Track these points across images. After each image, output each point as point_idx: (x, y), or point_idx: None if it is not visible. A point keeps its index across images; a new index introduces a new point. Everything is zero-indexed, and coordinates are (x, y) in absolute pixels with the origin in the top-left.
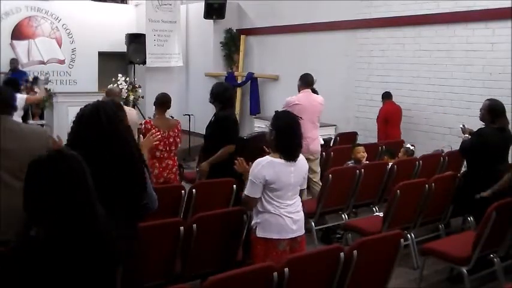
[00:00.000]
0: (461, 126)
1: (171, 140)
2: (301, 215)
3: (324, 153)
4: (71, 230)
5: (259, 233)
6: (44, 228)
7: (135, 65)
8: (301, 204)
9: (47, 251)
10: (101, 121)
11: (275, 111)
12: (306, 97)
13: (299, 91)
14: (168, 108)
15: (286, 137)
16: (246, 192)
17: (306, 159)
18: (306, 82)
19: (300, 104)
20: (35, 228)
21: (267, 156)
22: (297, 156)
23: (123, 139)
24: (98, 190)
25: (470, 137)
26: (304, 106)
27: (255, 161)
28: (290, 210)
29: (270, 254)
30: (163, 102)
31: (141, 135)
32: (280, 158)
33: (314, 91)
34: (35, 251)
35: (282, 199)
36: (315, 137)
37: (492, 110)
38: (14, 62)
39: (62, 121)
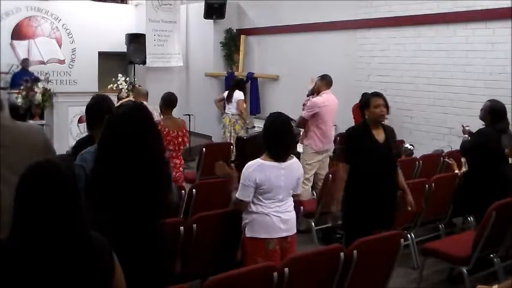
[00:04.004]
0: (463, 125)
1: (180, 139)
2: (291, 215)
3: None
4: (49, 243)
5: (248, 233)
6: (26, 237)
7: (135, 65)
8: (292, 205)
9: (20, 261)
10: (135, 122)
11: (270, 113)
12: (329, 98)
13: (319, 91)
14: (175, 107)
15: (274, 137)
16: (237, 195)
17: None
18: (328, 83)
19: (327, 105)
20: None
21: (258, 159)
22: (285, 157)
23: (152, 140)
24: (124, 189)
25: (469, 137)
26: (330, 107)
27: (246, 164)
28: (278, 210)
29: (259, 253)
30: (171, 101)
31: None
32: (270, 159)
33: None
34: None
35: (271, 201)
36: (333, 135)
37: (493, 111)
38: (24, 62)
39: (62, 121)
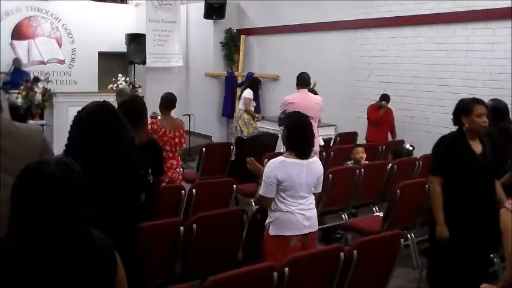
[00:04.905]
0: None
1: (177, 140)
2: (313, 212)
3: (324, 153)
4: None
5: (272, 232)
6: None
7: (135, 65)
8: (314, 202)
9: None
10: (99, 121)
11: (288, 113)
12: (301, 96)
13: (297, 90)
14: (174, 108)
15: (296, 135)
16: (260, 191)
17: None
18: (302, 81)
19: (295, 103)
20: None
21: (280, 156)
22: (308, 154)
23: (121, 139)
24: (95, 191)
25: None
26: (298, 105)
27: (269, 162)
28: (302, 207)
29: (281, 251)
30: (169, 102)
31: None
32: (293, 157)
33: (313, 91)
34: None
35: (294, 198)
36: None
37: (495, 111)
38: (16, 62)
39: (62, 121)
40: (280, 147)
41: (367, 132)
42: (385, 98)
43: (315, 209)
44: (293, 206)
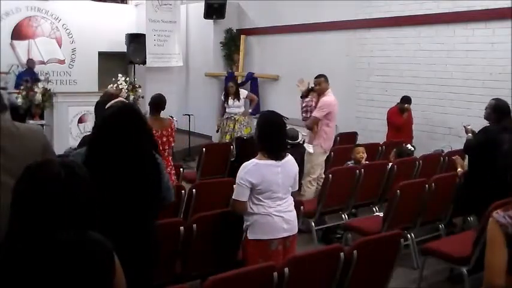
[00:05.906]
0: (464, 125)
1: (164, 139)
2: (293, 215)
3: None
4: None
5: (251, 236)
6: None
7: (135, 65)
8: (293, 204)
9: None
10: (124, 122)
11: (261, 112)
12: (334, 97)
13: (323, 91)
14: (163, 110)
15: (269, 135)
16: (233, 195)
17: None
18: (328, 82)
19: (336, 105)
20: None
21: (253, 159)
22: (281, 155)
23: (141, 140)
24: (115, 188)
25: (472, 136)
26: (336, 106)
27: (242, 165)
28: (280, 209)
29: (262, 255)
30: (157, 103)
31: None
32: (266, 158)
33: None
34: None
35: (271, 200)
36: None
37: (497, 109)
38: (30, 62)
39: (62, 121)
40: None
41: (387, 137)
42: (407, 100)
43: (294, 211)
44: (271, 208)
